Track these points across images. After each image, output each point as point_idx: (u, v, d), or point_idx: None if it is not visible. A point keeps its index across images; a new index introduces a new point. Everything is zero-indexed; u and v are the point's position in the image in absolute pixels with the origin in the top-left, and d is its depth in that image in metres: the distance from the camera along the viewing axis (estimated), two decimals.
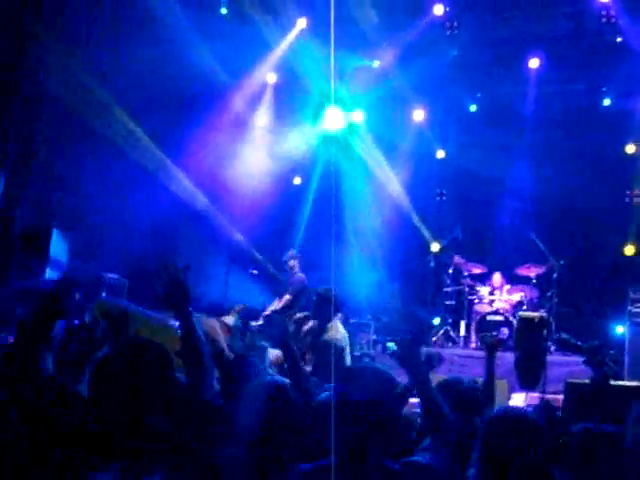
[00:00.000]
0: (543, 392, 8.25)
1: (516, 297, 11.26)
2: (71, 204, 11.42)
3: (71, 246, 10.38)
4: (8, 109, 10.77)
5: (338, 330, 7.57)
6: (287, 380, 3.54)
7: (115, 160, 11.75)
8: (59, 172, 11.51)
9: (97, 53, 11.38)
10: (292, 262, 10.72)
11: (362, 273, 12.34)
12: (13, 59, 10.65)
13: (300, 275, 10.64)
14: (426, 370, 3.53)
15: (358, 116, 12.96)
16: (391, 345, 10.83)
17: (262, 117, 13.10)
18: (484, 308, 11.34)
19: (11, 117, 10.84)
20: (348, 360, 7.62)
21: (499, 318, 11.03)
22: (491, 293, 11.46)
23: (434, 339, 11.23)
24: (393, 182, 13.04)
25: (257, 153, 12.90)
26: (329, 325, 7.52)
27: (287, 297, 10.34)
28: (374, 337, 11.27)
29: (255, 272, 10.27)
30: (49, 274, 9.92)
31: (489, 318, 11.12)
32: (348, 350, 7.63)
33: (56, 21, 11.09)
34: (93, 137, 11.73)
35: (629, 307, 9.74)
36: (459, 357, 10.18)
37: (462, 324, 11.38)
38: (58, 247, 10.05)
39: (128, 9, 11.36)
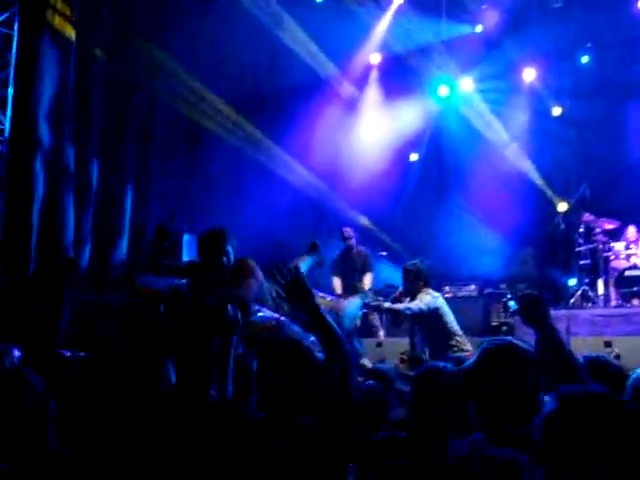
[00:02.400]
0: None
1: None
2: (196, 206, 11.77)
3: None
4: (126, 120, 11.16)
5: (432, 295, 7.61)
6: None
7: (231, 159, 12.06)
8: (180, 177, 11.87)
9: (200, 53, 11.66)
10: (352, 238, 10.31)
11: (489, 242, 12.19)
12: (126, 68, 11.02)
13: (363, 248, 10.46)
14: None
15: (467, 83, 12.75)
16: (512, 304, 10.62)
17: (371, 98, 13.09)
18: (621, 264, 10.95)
19: (129, 128, 11.23)
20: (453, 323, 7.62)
21: (638, 272, 10.66)
22: (627, 247, 11.03)
23: (572, 300, 10.95)
24: (510, 146, 12.80)
25: (369, 134, 12.92)
26: (421, 293, 7.55)
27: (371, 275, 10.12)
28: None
29: (384, 253, 10.26)
30: None
31: (627, 273, 10.73)
32: (451, 317, 7.62)
33: (160, 25, 11.45)
34: (207, 138, 12.06)
35: None
36: (601, 317, 9.89)
37: (600, 283, 11.02)
38: (190, 250, 10.33)
39: (225, 7, 11.57)
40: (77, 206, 10.39)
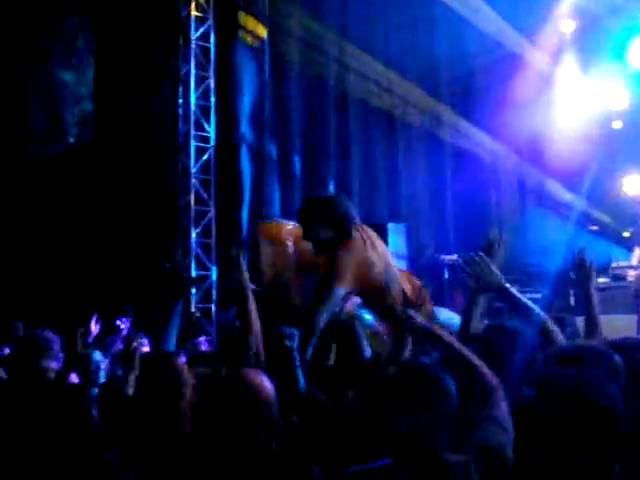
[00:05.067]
0: None
1: None
2: (397, 196, 11.82)
3: (407, 236, 10.70)
4: (322, 116, 11.38)
5: None
6: None
7: (430, 145, 12.03)
8: (379, 168, 11.95)
9: (389, 41, 11.74)
10: None
11: None
12: (319, 65, 11.24)
13: None
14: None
15: None
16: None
17: (567, 67, 12.58)
18: None
19: (326, 124, 11.44)
20: None
21: None
22: None
23: None
24: None
25: (568, 105, 12.43)
26: None
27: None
28: None
29: (595, 228, 9.80)
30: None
31: None
32: None
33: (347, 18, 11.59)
34: (403, 127, 12.08)
35: None
36: None
37: None
38: (395, 240, 10.37)
39: None
40: (283, 203, 10.76)
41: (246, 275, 3.69)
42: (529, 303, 3.23)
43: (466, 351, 2.74)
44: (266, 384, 2.54)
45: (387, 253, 5.13)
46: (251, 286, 3.70)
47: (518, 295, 3.26)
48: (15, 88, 14.43)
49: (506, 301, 3.37)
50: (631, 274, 9.48)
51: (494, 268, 3.23)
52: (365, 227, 5.09)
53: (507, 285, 3.27)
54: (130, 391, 3.45)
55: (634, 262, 9.54)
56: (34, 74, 14.97)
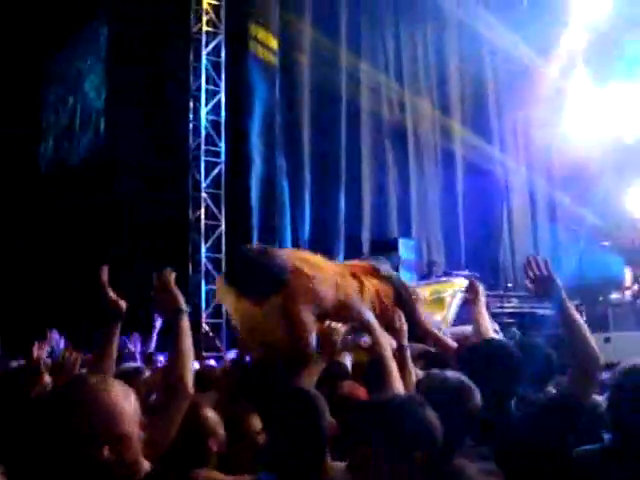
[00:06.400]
0: None
1: None
2: (409, 209, 11.77)
3: (417, 252, 10.68)
4: (333, 128, 11.34)
5: None
6: None
7: (442, 160, 12.00)
8: (391, 180, 11.91)
9: (400, 57, 11.76)
10: None
11: None
12: (329, 80, 11.23)
13: None
14: None
15: None
16: None
17: (578, 81, 12.56)
18: None
19: (336, 136, 11.41)
20: None
21: None
22: None
23: None
24: None
25: (581, 119, 12.40)
26: None
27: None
28: None
29: (607, 243, 9.80)
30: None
31: None
32: None
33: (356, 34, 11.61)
34: (415, 141, 12.04)
35: None
36: None
37: None
38: (406, 255, 10.34)
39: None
40: (293, 218, 10.74)
41: (177, 297, 3.11)
42: (580, 321, 3.06)
43: None
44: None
45: (334, 266, 4.14)
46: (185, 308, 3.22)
47: (573, 312, 3.08)
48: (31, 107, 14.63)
49: (559, 314, 3.16)
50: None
51: (557, 277, 3.11)
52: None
53: (565, 298, 3.12)
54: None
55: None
56: (50, 89, 15.15)
